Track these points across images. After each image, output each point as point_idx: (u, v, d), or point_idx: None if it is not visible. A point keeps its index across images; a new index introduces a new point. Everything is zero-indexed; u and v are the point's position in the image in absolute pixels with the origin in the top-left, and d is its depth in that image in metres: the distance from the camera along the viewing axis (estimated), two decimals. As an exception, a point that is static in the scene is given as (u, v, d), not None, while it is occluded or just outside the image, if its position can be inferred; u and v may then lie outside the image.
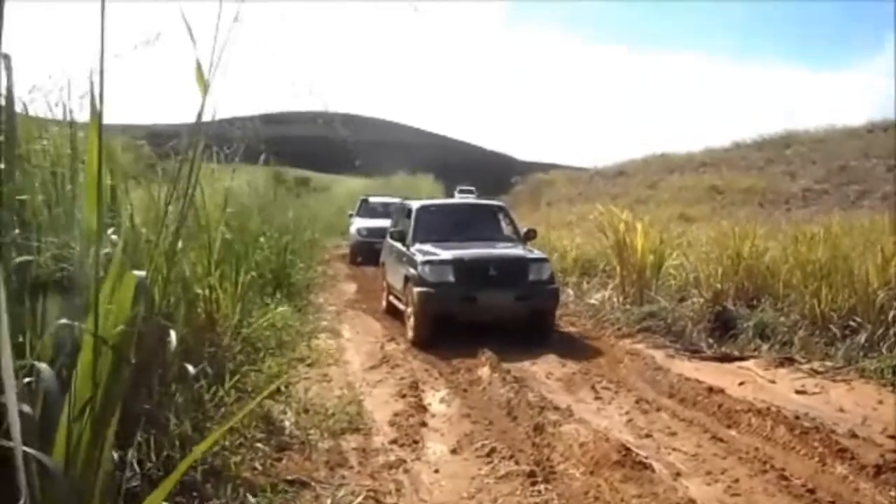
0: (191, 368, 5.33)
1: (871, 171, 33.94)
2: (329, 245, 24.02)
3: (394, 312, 13.11)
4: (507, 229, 13.56)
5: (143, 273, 3.72)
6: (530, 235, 13.17)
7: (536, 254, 12.14)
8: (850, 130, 40.39)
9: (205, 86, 4.25)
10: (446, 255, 11.41)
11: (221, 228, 7.88)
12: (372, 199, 24.57)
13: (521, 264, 11.51)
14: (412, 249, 12.01)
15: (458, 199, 28.24)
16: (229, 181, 8.82)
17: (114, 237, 4.56)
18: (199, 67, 4.19)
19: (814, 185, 33.40)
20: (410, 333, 11.18)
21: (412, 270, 11.50)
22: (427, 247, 11.85)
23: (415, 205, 13.44)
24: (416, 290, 11.06)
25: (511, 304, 11.14)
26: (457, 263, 11.23)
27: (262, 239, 11.79)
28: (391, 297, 13.54)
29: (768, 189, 33.25)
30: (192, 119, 4.43)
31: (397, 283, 12.66)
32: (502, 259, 11.70)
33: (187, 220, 6.57)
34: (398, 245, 12.86)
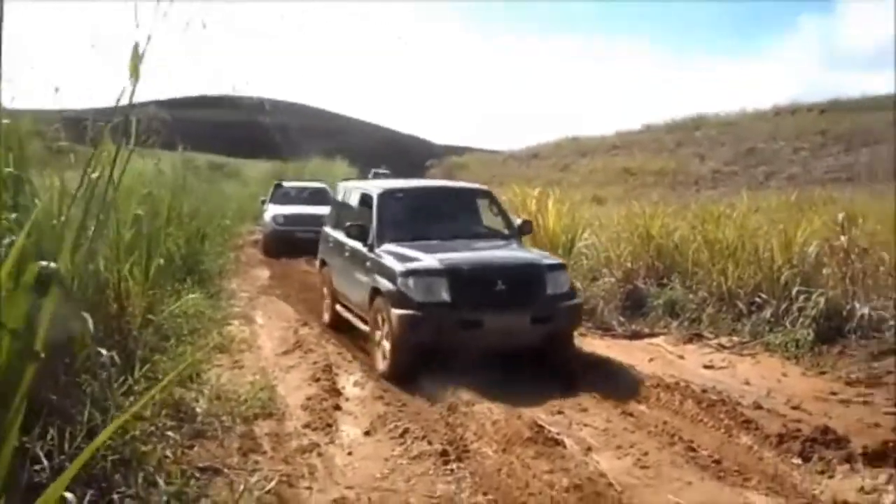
0: (104, 352, 5.20)
1: (777, 153, 34.92)
2: (243, 231, 23.70)
3: (342, 327, 10.53)
4: (497, 222, 10.64)
5: (46, 263, 3.61)
6: (526, 229, 10.38)
7: (551, 258, 9.42)
8: (758, 114, 41.40)
9: (137, 71, 4.17)
10: (434, 261, 8.39)
11: (131, 214, 7.72)
12: (286, 184, 23.16)
13: (536, 273, 8.53)
14: (380, 252, 9.00)
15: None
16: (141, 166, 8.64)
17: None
18: (135, 53, 4.10)
19: (723, 167, 34.21)
20: (382, 366, 8.40)
21: (385, 282, 8.46)
22: (402, 249, 8.84)
23: (375, 189, 10.03)
24: (397, 312, 8.03)
25: (527, 327, 8.23)
26: (453, 274, 8.22)
27: (171, 226, 11.58)
28: (341, 309, 10.59)
29: (679, 171, 33.94)
30: (100, 104, 4.33)
31: (355, 296, 9.75)
32: (512, 267, 8.75)
33: (95, 205, 6.46)
34: (355, 244, 9.68)
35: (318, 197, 21.03)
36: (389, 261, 8.63)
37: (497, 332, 8.08)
